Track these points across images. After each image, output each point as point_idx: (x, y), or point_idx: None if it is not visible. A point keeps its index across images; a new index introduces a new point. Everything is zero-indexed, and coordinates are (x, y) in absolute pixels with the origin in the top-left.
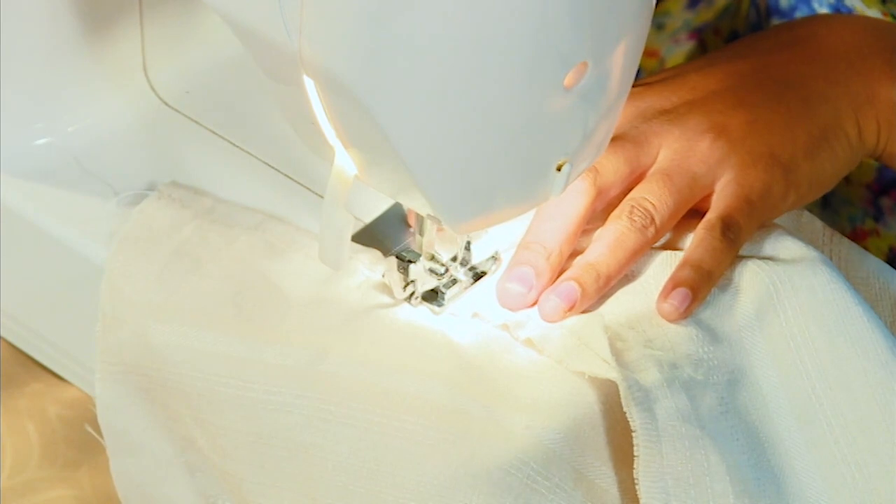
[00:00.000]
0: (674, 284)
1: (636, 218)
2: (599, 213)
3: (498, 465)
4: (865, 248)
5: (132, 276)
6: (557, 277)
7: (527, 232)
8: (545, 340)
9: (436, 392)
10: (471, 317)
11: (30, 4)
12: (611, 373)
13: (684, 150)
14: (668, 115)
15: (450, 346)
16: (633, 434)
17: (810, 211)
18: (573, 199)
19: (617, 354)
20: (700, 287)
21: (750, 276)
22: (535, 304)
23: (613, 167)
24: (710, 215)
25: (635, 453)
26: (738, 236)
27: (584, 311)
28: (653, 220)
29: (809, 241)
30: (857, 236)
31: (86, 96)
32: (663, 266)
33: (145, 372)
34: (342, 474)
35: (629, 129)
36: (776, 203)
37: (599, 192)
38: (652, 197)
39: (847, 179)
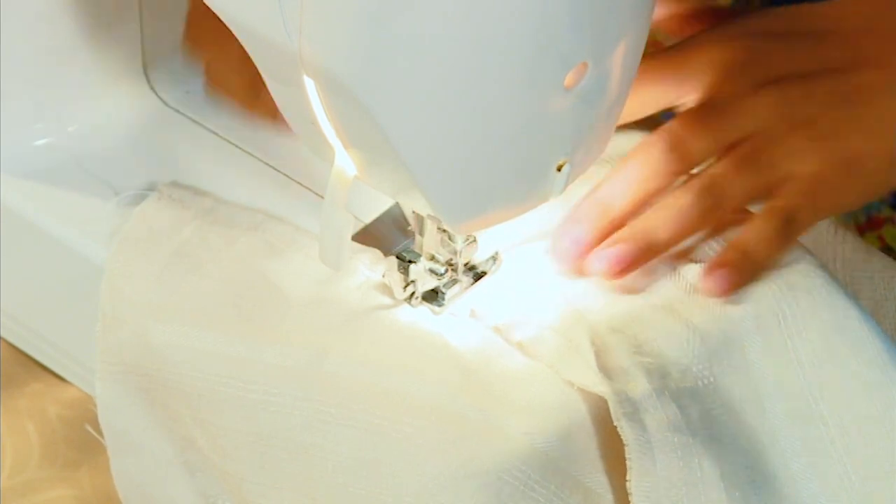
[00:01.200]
0: (719, 264)
1: (704, 197)
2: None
3: (497, 469)
4: (879, 236)
5: (132, 276)
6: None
7: (600, 184)
8: (537, 342)
9: (436, 393)
10: (468, 315)
11: (30, 4)
12: (598, 387)
13: (772, 140)
14: (775, 89)
15: (448, 349)
16: (626, 448)
17: None
18: (655, 167)
19: (605, 363)
20: (744, 272)
21: None
22: (584, 258)
23: (703, 144)
24: (774, 203)
25: (628, 466)
26: (794, 232)
27: (584, 308)
28: (720, 204)
29: (815, 238)
30: (871, 224)
31: (86, 96)
32: (658, 269)
33: (145, 372)
34: (342, 475)
35: (731, 96)
36: (842, 206)
37: (682, 166)
38: (726, 182)
39: None
